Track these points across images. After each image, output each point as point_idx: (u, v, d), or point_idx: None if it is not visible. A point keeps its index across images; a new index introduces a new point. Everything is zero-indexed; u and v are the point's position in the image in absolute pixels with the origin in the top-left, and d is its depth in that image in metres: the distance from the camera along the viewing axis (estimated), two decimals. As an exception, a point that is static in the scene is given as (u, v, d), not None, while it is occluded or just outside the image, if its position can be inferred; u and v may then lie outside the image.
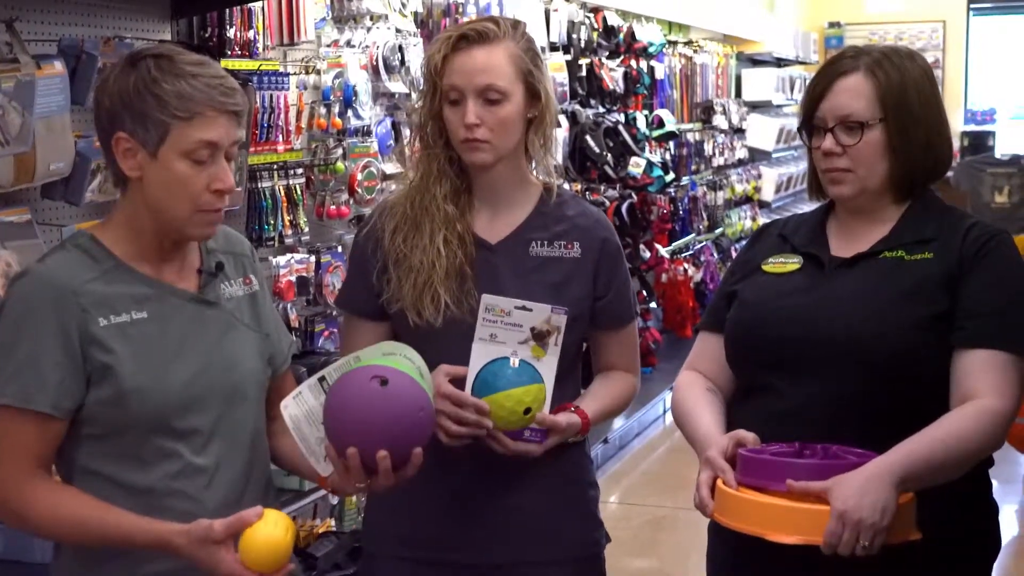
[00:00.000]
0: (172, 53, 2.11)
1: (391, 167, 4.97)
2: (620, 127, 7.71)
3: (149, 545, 2.03)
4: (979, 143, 14.02)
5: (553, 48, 7.12)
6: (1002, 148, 13.82)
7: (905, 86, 2.28)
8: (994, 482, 2.36)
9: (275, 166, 4.48)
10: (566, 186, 5.92)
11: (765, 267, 2.39)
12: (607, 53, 7.91)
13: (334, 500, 4.56)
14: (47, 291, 2.05)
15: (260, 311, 2.29)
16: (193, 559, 2.02)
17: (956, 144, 14.11)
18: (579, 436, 2.50)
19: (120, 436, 2.08)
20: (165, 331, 2.11)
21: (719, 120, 10.15)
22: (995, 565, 2.36)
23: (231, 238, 2.31)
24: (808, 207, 2.55)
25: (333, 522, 4.50)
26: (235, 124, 2.11)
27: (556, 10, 7.20)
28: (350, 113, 4.83)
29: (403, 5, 5.25)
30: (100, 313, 2.06)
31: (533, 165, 2.57)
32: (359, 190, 4.85)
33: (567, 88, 7.17)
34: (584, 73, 7.52)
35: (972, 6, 15.00)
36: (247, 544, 2.00)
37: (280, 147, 4.49)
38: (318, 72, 4.79)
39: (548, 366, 2.34)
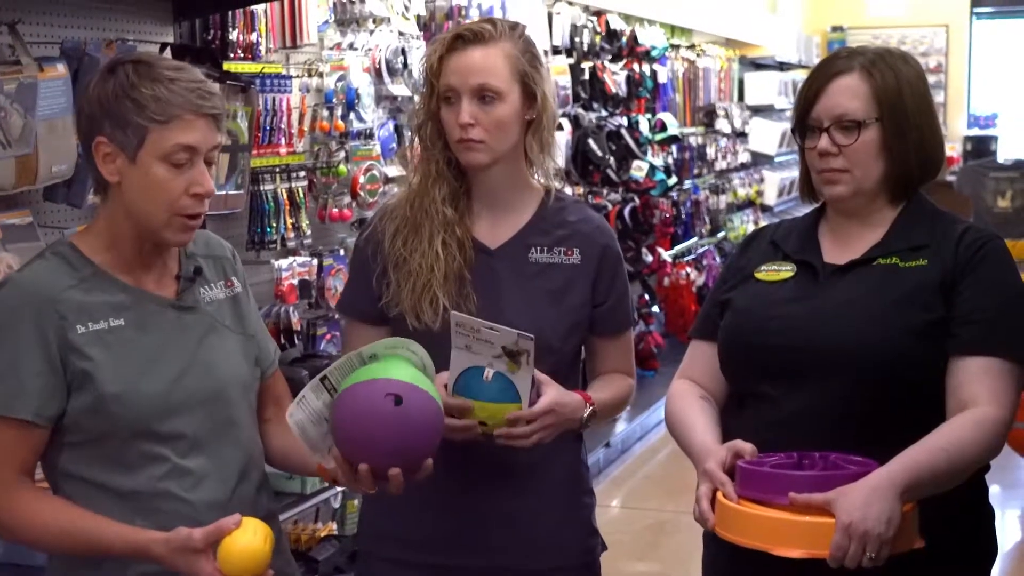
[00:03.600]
0: (151, 59, 2.13)
1: (394, 170, 4.97)
2: (623, 130, 7.71)
3: (128, 554, 2.04)
4: (982, 147, 14.02)
5: (556, 51, 7.13)
6: (1005, 152, 13.81)
7: (900, 86, 2.27)
8: (996, 488, 2.36)
9: (277, 169, 4.48)
10: (568, 190, 5.92)
11: (758, 275, 2.37)
12: (610, 56, 7.91)
13: (336, 504, 4.55)
14: (26, 300, 2.06)
15: (243, 313, 2.29)
16: (173, 567, 2.03)
17: (959, 149, 14.12)
18: (586, 420, 2.45)
19: (103, 442, 2.09)
20: (143, 338, 2.11)
21: (721, 124, 10.15)
22: (998, 572, 2.35)
23: (211, 242, 2.31)
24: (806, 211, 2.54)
25: (335, 526, 4.50)
26: (213, 128, 2.11)
27: (559, 13, 7.20)
28: (352, 116, 4.83)
29: (406, 8, 5.25)
30: (78, 320, 2.07)
31: (534, 169, 2.56)
32: (361, 193, 4.84)
33: (570, 91, 7.17)
34: (587, 76, 7.53)
35: (975, 10, 15.00)
36: (226, 552, 2.01)
37: (282, 150, 4.49)
38: (321, 75, 4.79)
39: (523, 380, 2.31)
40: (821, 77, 2.31)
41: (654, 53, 8.43)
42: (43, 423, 2.05)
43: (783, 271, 2.35)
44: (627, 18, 8.24)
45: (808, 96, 2.31)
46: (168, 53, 3.70)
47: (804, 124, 2.32)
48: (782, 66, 12.37)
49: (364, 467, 2.10)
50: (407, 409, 2.08)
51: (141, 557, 2.04)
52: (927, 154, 2.30)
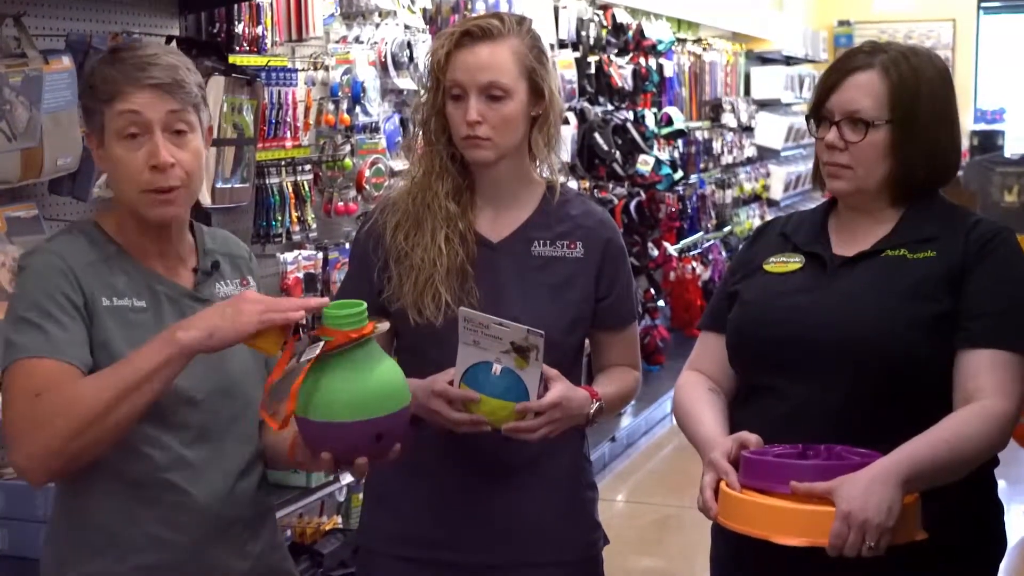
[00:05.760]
0: (123, 46, 2.18)
1: (399, 164, 4.96)
2: (629, 125, 7.70)
3: (157, 350, 1.99)
4: (988, 142, 13.98)
5: (562, 45, 7.12)
6: (1011, 147, 13.78)
7: (918, 90, 2.24)
8: (1002, 482, 2.35)
9: (283, 162, 4.48)
10: (572, 184, 5.90)
11: (767, 266, 2.37)
12: (616, 50, 7.90)
13: (340, 497, 4.55)
14: (57, 264, 2.08)
15: None
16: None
17: (965, 143, 14.08)
18: (593, 415, 2.44)
19: None
20: (159, 323, 2.11)
21: (728, 118, 10.14)
22: (1004, 566, 2.34)
23: (229, 241, 2.32)
24: (816, 205, 2.54)
25: (339, 519, 4.50)
26: (162, 96, 2.09)
27: (565, 7, 7.19)
28: (358, 109, 4.82)
29: (411, 1, 5.24)
30: (103, 294, 2.09)
31: (537, 164, 2.55)
32: (367, 187, 4.84)
33: (576, 85, 7.16)
34: (593, 70, 7.51)
35: (982, 5, 14.97)
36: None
37: (288, 143, 4.48)
38: (326, 68, 4.78)
39: (531, 376, 2.30)
40: (841, 69, 2.29)
41: (660, 47, 8.41)
42: (86, 371, 2.04)
43: (791, 263, 2.34)
44: (633, 12, 8.23)
45: (825, 86, 2.29)
46: (173, 46, 3.69)
47: (818, 114, 2.31)
48: (788, 60, 12.36)
49: (326, 455, 2.06)
50: (385, 440, 2.07)
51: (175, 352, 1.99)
52: (938, 161, 2.28)
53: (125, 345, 2.07)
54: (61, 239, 2.15)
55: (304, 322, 2.06)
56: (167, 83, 2.09)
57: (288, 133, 4.47)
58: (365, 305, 2.08)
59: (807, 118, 2.36)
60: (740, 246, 10.25)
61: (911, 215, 2.30)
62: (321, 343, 2.04)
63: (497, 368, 2.29)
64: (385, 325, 2.15)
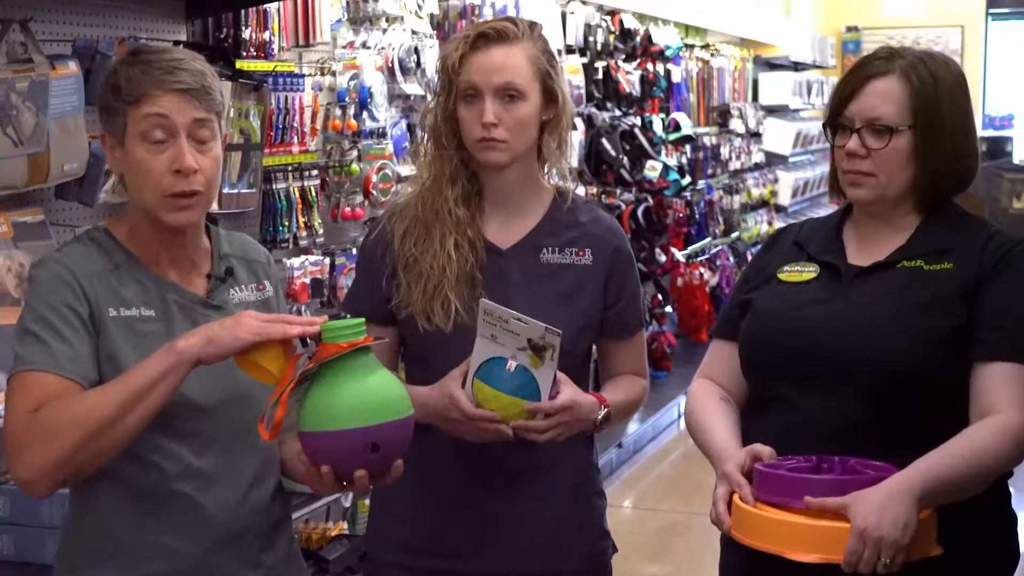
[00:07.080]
0: (145, 48, 2.16)
1: (406, 169, 4.96)
2: (636, 130, 7.69)
3: (158, 360, 1.99)
4: (997, 148, 13.95)
5: (570, 51, 7.11)
6: (1020, 153, 13.75)
7: (938, 94, 2.22)
8: (1011, 490, 2.33)
9: (290, 167, 4.48)
10: (580, 190, 5.89)
11: (781, 276, 2.35)
12: (624, 56, 7.89)
13: (346, 503, 4.54)
14: (64, 276, 2.07)
15: None
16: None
17: (974, 149, 14.05)
18: (600, 422, 2.43)
19: None
20: (169, 332, 2.10)
21: (736, 124, 10.13)
22: (1018, 576, 2.33)
23: (247, 245, 2.31)
24: (825, 212, 2.51)
25: (345, 525, 4.49)
26: (189, 102, 2.09)
27: (573, 12, 7.19)
28: (365, 115, 4.82)
29: (419, 7, 5.24)
30: (110, 304, 2.08)
31: (546, 169, 2.54)
32: (374, 192, 4.84)
33: (583, 91, 7.16)
34: (600, 76, 7.51)
35: (991, 10, 14.95)
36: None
37: (295, 148, 4.48)
38: (333, 74, 4.78)
39: (545, 376, 2.30)
40: (859, 76, 2.26)
41: (668, 53, 8.41)
42: (87, 386, 2.04)
43: (806, 272, 2.32)
44: (641, 17, 8.22)
45: (844, 94, 2.27)
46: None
47: (836, 122, 2.29)
48: (796, 66, 12.34)
49: (326, 469, 2.02)
50: (383, 452, 2.02)
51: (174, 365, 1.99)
52: (959, 166, 2.26)
53: (133, 356, 2.06)
54: (70, 248, 2.14)
55: (309, 342, 2.04)
56: (195, 88, 2.09)
57: (295, 138, 4.47)
58: (363, 320, 2.06)
59: (824, 126, 2.34)
60: (748, 252, 10.18)
61: (928, 225, 2.28)
62: (314, 354, 2.03)
63: (512, 365, 2.28)
64: (383, 340, 2.13)
